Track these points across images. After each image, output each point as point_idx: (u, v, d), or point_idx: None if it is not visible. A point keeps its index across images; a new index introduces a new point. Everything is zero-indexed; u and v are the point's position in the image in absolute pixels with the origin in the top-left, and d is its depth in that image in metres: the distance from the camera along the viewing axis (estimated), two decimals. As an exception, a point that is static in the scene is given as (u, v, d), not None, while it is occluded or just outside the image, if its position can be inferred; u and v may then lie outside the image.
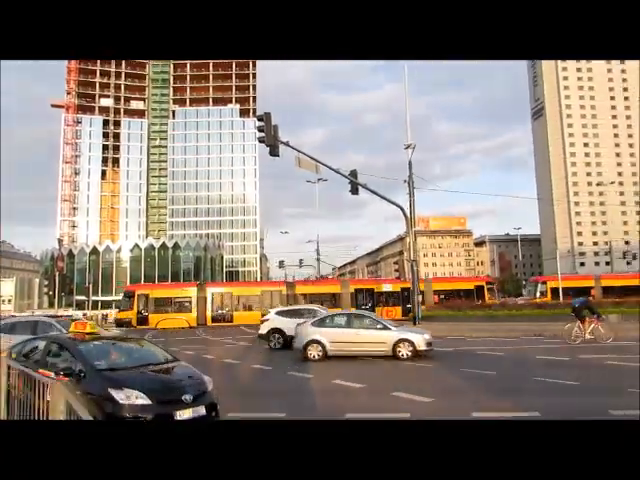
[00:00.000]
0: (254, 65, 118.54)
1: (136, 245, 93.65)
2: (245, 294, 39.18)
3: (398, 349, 14.53)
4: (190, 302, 37.16)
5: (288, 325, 18.66)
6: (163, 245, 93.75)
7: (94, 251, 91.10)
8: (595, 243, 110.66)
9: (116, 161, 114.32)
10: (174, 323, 34.90)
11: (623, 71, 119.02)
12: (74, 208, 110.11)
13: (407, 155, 24.21)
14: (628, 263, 59.63)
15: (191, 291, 38.26)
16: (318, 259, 55.20)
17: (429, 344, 14.81)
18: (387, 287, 39.24)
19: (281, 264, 68.25)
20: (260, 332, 19.83)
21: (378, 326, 15.21)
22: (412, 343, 14.53)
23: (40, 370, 6.25)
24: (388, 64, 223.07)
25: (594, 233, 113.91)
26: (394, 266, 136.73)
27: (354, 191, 21.71)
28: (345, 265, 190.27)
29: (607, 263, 66.11)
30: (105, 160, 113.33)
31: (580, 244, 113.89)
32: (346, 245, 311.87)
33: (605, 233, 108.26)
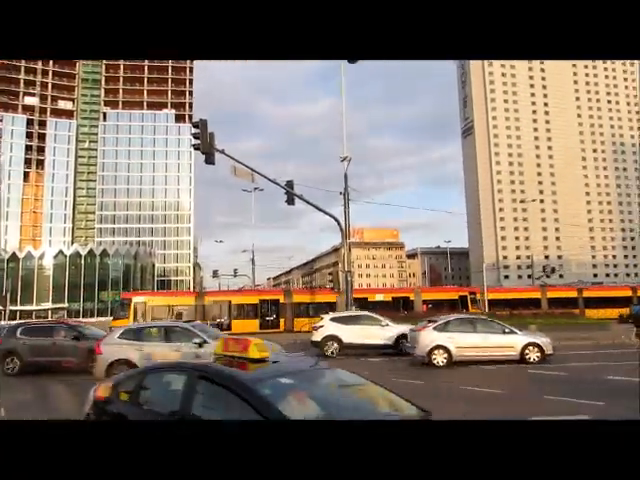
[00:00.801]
0: (191, 71, 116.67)
1: (60, 252, 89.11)
2: (243, 302, 38.67)
3: (526, 353, 14.22)
4: (189, 311, 36.56)
5: (345, 331, 18.09)
6: (90, 252, 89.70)
7: (13, 257, 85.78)
8: (518, 257, 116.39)
9: (40, 163, 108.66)
10: None
11: (545, 95, 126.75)
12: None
13: (343, 167, 24.51)
14: (547, 276, 63.09)
15: (190, 299, 37.91)
16: (253, 269, 54.67)
17: (553, 348, 14.67)
18: (379, 296, 40.26)
19: (215, 273, 67.01)
20: (314, 339, 19.08)
21: (505, 330, 14.82)
22: (540, 347, 14.26)
23: None
24: (324, 77, 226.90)
25: (517, 247, 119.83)
26: (329, 277, 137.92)
27: (290, 202, 21.69)
28: (280, 275, 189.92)
29: (529, 276, 69.67)
30: (28, 161, 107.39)
31: (505, 258, 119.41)
32: (281, 255, 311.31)
33: (527, 248, 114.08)
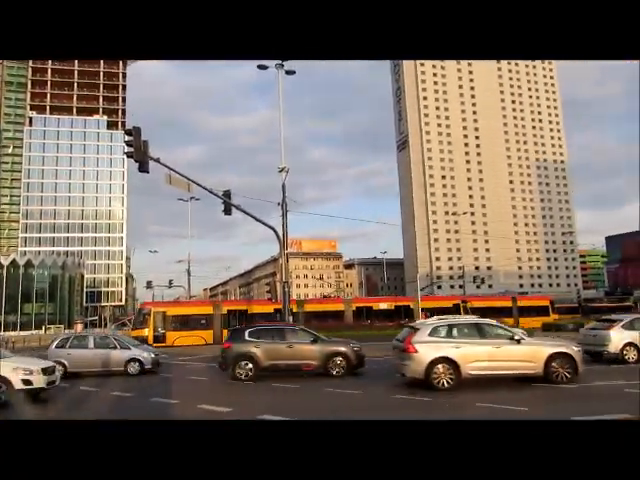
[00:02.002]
0: (124, 76, 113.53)
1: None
2: (260, 312, 39.85)
3: None
4: (207, 320, 36.96)
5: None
6: (13, 262, 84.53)
7: None
8: (451, 268, 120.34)
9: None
10: (191, 341, 34.60)
11: (474, 112, 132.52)
12: None
13: (281, 178, 24.56)
14: (478, 287, 65.71)
15: (208, 309, 38.73)
16: (189, 279, 53.51)
17: None
18: (383, 305, 43.78)
19: (149, 284, 64.96)
20: None
21: None
22: None
23: None
24: (262, 88, 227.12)
25: (450, 258, 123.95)
26: (267, 287, 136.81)
27: (227, 211, 21.51)
28: (217, 286, 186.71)
29: (460, 286, 72.27)
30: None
31: (438, 268, 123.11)
32: (219, 266, 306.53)
33: (459, 259, 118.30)
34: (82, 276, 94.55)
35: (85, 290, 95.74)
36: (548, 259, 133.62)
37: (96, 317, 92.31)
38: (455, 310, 42.27)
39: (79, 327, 66.59)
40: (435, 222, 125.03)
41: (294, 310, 39.14)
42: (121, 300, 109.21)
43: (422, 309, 42.50)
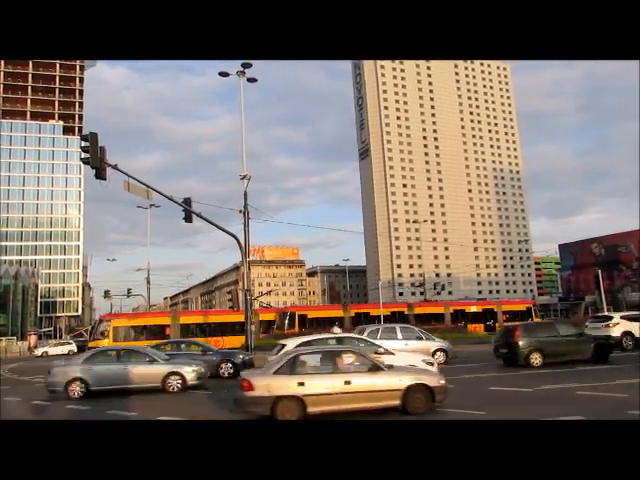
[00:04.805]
0: (81, 81, 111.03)
1: None
2: (378, 314, 42.70)
3: None
4: (338, 320, 40.19)
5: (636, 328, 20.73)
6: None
7: None
8: (412, 275, 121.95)
9: None
10: None
11: (434, 122, 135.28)
12: None
13: (243, 185, 24.43)
14: (438, 293, 66.85)
15: (339, 312, 43.49)
16: (149, 288, 52.43)
17: None
18: (473, 308, 47.83)
19: (107, 294, 63.37)
20: (613, 334, 20.91)
21: None
22: None
23: None
24: (226, 95, 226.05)
25: (411, 266, 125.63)
26: (229, 295, 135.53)
27: (188, 219, 21.26)
28: (178, 294, 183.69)
29: (421, 293, 73.33)
30: None
31: (400, 275, 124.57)
32: (179, 274, 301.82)
33: (420, 266, 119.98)
34: (36, 286, 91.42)
35: (39, 300, 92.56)
36: (505, 266, 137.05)
37: (51, 328, 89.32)
38: (527, 313, 46.92)
39: (33, 339, 64.31)
40: (397, 229, 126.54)
41: (405, 312, 44.51)
42: (77, 310, 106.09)
43: (503, 312, 47.23)
